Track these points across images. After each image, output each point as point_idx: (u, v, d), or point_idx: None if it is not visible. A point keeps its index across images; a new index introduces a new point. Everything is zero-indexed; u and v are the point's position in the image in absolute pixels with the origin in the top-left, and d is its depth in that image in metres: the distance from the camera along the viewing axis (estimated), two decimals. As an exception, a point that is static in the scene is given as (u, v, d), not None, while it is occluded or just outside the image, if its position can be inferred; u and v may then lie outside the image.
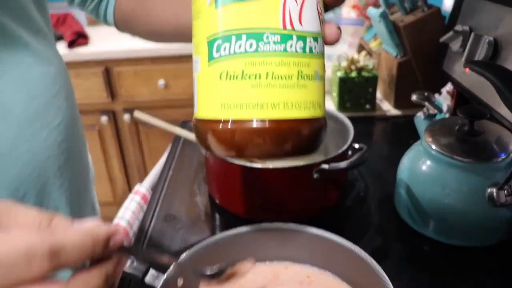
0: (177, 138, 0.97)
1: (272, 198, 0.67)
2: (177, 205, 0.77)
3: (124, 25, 0.67)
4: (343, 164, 0.63)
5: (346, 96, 1.04)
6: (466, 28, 0.80)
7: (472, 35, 0.76)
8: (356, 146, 0.69)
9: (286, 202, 0.67)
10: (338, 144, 0.76)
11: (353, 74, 1.02)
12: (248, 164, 0.64)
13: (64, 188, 0.58)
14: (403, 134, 0.98)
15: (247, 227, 0.54)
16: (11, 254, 0.25)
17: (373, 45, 1.22)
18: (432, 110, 0.74)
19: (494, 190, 0.60)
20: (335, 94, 1.07)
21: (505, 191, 0.59)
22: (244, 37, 0.32)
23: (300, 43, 0.32)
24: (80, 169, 0.64)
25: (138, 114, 0.63)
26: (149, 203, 0.78)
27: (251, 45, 0.32)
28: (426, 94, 0.76)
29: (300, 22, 0.32)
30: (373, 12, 1.00)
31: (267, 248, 0.55)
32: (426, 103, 0.75)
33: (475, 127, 0.65)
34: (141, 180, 2.11)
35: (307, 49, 0.33)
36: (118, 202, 2.08)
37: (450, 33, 0.84)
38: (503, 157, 0.62)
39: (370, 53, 1.19)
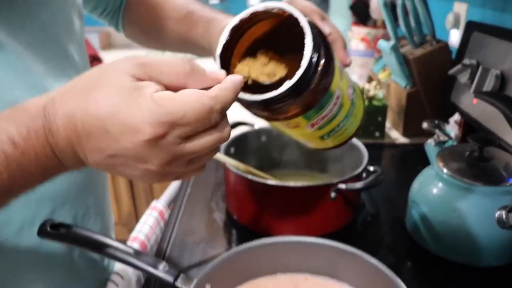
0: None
1: (289, 216, 0.70)
2: (196, 221, 0.79)
3: (133, 36, 0.76)
4: (359, 184, 0.67)
5: (357, 123, 1.08)
6: (474, 62, 0.85)
7: (480, 68, 0.81)
8: (371, 168, 0.73)
9: (302, 220, 0.70)
10: (353, 167, 0.80)
11: (364, 103, 1.07)
12: (267, 182, 0.67)
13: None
14: (412, 161, 1.01)
15: (269, 239, 0.57)
16: (199, 111, 0.34)
17: (381, 76, 1.27)
18: (443, 137, 0.77)
19: (504, 212, 0.63)
20: (345, 121, 1.11)
21: (514, 214, 0.63)
22: None
23: None
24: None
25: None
26: (169, 217, 0.81)
27: None
28: (436, 122, 0.80)
29: None
30: (384, 44, 1.05)
31: (288, 260, 0.57)
32: (437, 131, 0.79)
33: (484, 153, 0.69)
34: (147, 201, 2.13)
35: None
36: (123, 223, 2.10)
37: (459, 66, 0.89)
38: (511, 182, 0.65)
39: (379, 84, 1.24)
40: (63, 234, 0.51)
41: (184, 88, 0.36)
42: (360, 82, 1.29)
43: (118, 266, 0.75)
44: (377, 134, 1.10)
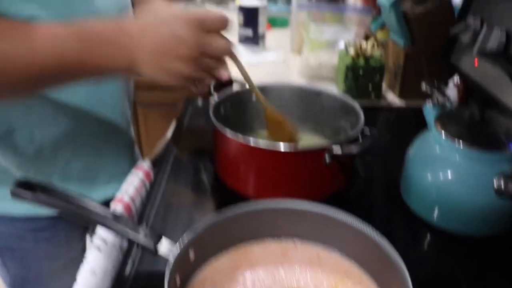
0: (182, 116, 0.97)
1: (280, 181, 0.67)
2: (182, 182, 0.76)
3: None
4: (356, 148, 0.63)
5: (353, 84, 1.04)
6: (478, 20, 0.80)
7: (484, 26, 0.76)
8: (366, 131, 0.69)
9: (293, 185, 0.67)
10: (347, 129, 0.76)
11: (361, 62, 1.02)
12: (259, 145, 0.64)
13: None
14: (407, 124, 0.98)
15: (257, 204, 0.54)
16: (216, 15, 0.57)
17: (379, 35, 1.22)
18: (441, 99, 0.74)
19: (502, 181, 0.61)
20: (341, 82, 1.07)
21: (513, 182, 0.60)
22: None
23: None
24: None
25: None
26: (154, 178, 0.78)
27: None
28: (435, 82, 0.76)
29: None
30: (384, 1, 1.00)
31: (276, 225, 0.55)
32: (436, 92, 0.75)
33: (486, 117, 0.66)
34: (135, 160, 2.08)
35: None
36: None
37: (461, 25, 0.84)
38: (512, 148, 0.62)
39: (376, 42, 1.19)
40: (37, 194, 0.48)
41: None
42: (356, 41, 1.23)
43: (101, 230, 0.73)
44: (373, 95, 1.06)
